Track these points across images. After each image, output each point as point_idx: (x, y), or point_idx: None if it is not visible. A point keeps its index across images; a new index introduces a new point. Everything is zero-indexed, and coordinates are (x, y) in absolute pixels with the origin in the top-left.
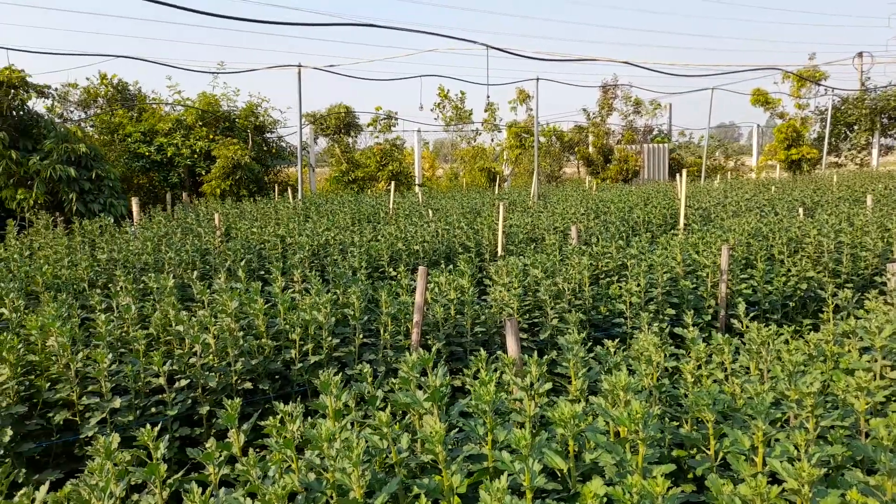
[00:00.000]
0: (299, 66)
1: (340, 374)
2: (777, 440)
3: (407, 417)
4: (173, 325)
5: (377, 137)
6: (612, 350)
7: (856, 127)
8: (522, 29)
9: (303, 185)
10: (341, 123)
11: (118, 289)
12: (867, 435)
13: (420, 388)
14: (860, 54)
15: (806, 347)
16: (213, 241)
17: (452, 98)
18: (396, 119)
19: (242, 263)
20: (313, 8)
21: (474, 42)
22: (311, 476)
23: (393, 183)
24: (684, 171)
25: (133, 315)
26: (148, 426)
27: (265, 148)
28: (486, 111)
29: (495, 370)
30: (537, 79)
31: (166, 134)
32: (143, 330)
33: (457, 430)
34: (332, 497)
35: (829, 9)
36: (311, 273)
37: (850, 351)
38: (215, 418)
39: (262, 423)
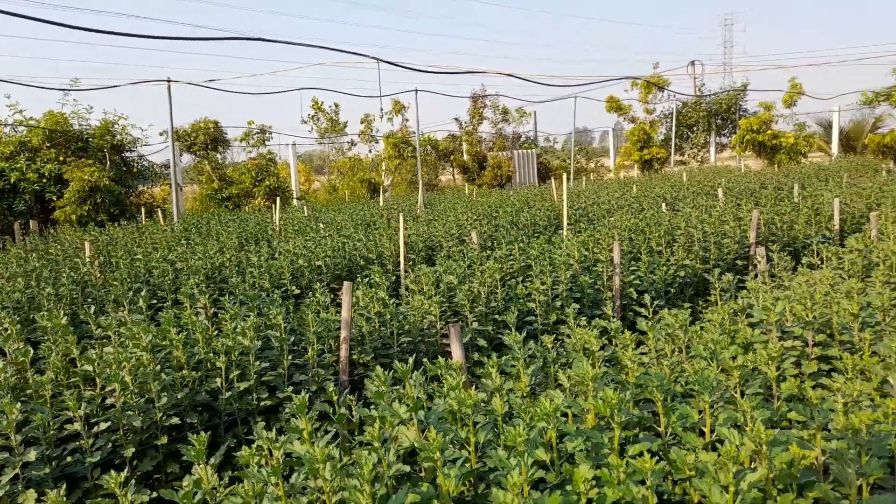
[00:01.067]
0: (168, 80)
1: (283, 395)
2: (712, 406)
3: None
4: (79, 365)
5: (250, 152)
6: (549, 345)
7: (695, 128)
8: (405, 43)
9: (177, 206)
10: (209, 139)
11: (2, 331)
12: (778, 398)
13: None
14: (692, 62)
15: (711, 328)
16: (93, 272)
17: (326, 110)
18: (271, 133)
19: (143, 294)
20: (191, 20)
21: (365, 56)
22: (304, 500)
23: (278, 199)
24: (563, 175)
25: (29, 359)
26: (112, 472)
27: (125, 168)
28: (361, 122)
29: (431, 378)
30: (416, 90)
31: (7, 158)
32: (39, 375)
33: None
34: None
35: (669, 20)
36: (206, 298)
37: (742, 328)
38: (138, 461)
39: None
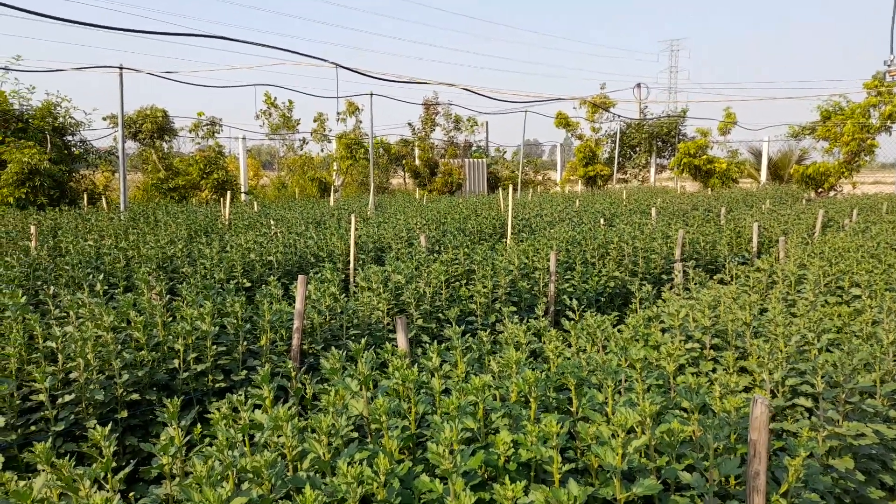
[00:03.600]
0: (121, 67)
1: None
2: (620, 393)
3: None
4: (41, 342)
5: (198, 144)
6: (485, 339)
7: (638, 149)
8: (359, 43)
9: (125, 194)
10: (155, 128)
11: None
12: (674, 389)
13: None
14: (638, 85)
15: (627, 330)
16: (42, 254)
17: (279, 106)
18: (221, 125)
19: (101, 278)
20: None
21: (324, 60)
22: (267, 454)
23: (228, 193)
24: (510, 187)
25: None
26: (97, 425)
27: (66, 152)
28: (315, 121)
29: (379, 366)
30: (371, 94)
31: None
32: (6, 350)
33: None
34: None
35: (616, 42)
36: (163, 285)
37: (654, 331)
38: None
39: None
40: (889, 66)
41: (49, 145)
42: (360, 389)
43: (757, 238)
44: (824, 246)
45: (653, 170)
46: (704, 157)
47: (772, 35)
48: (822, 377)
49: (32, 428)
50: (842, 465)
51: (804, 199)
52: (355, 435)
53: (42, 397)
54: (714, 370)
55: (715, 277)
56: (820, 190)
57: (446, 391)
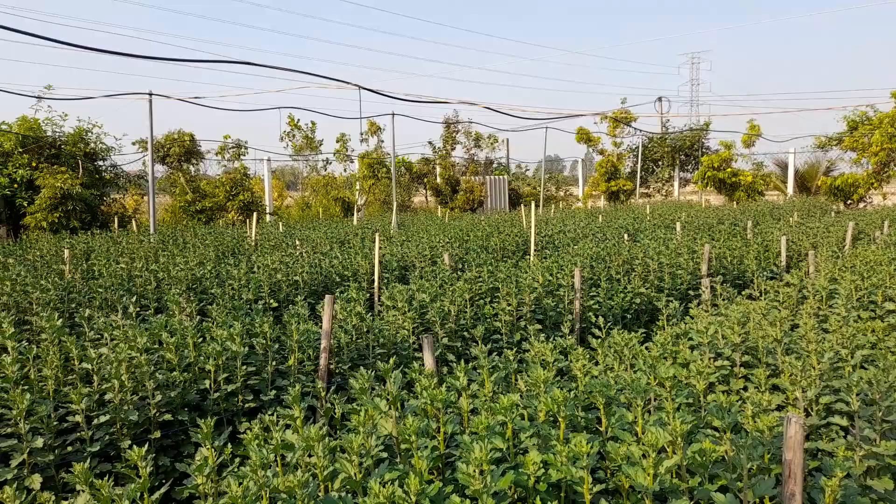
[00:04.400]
0: (150, 94)
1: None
2: (649, 412)
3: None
4: (77, 363)
5: (224, 166)
6: (511, 358)
7: (660, 163)
8: (380, 63)
9: (154, 217)
10: (183, 151)
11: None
12: (705, 408)
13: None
14: (660, 99)
15: (655, 347)
16: (76, 277)
17: (303, 127)
18: (246, 148)
19: (134, 300)
20: (173, 30)
21: (348, 83)
22: (300, 473)
23: (255, 214)
24: (532, 204)
25: (31, 356)
26: (134, 446)
27: (97, 176)
28: (337, 141)
29: (406, 385)
30: (392, 114)
31: None
32: (38, 372)
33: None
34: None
35: (637, 57)
36: (193, 306)
37: (682, 349)
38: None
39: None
40: None
41: (81, 170)
42: (390, 409)
43: (785, 252)
44: (855, 259)
45: (676, 183)
46: (729, 169)
47: (796, 45)
48: (858, 395)
49: (69, 448)
50: (881, 485)
51: (833, 211)
52: (385, 455)
53: (78, 418)
54: (745, 388)
55: (743, 293)
56: (849, 201)
57: (474, 411)
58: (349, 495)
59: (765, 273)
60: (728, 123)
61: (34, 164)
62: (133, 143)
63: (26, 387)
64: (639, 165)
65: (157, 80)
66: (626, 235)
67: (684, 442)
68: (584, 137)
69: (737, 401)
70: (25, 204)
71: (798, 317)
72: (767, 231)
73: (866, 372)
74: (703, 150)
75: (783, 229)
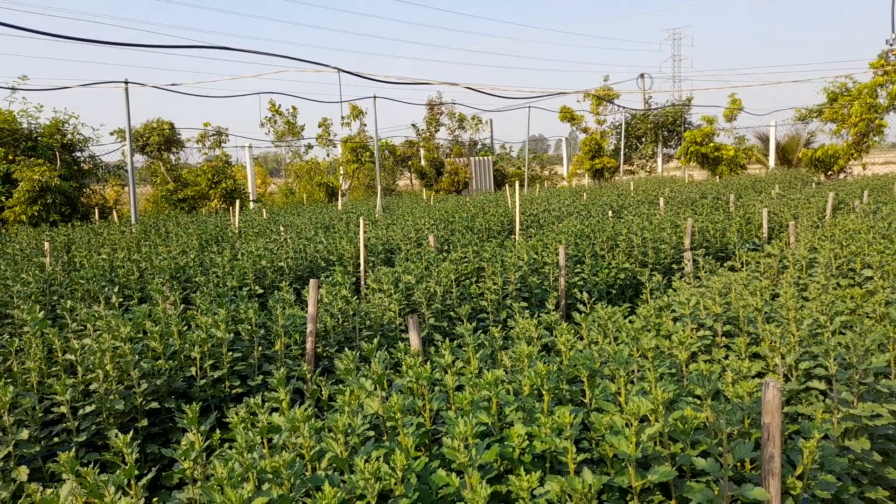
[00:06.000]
0: (126, 82)
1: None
2: (633, 382)
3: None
4: (60, 354)
5: (205, 154)
6: (497, 335)
7: (644, 139)
8: (360, 47)
9: (135, 207)
10: (162, 140)
11: None
12: (686, 377)
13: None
14: (642, 75)
15: (638, 320)
16: (57, 270)
17: (284, 113)
18: (227, 135)
19: (116, 290)
20: (147, 16)
21: (327, 66)
22: (286, 454)
23: (237, 202)
24: (517, 184)
25: (13, 349)
26: (120, 434)
27: (76, 167)
28: (319, 126)
29: (392, 365)
30: (374, 97)
31: None
32: (21, 364)
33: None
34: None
35: (617, 33)
36: (177, 295)
37: (665, 321)
38: None
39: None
40: (891, 44)
41: (59, 162)
42: (375, 389)
43: (767, 224)
44: (835, 229)
45: (660, 160)
46: (711, 144)
47: (775, 18)
48: (835, 359)
49: (55, 439)
50: (858, 445)
51: (814, 182)
52: (371, 433)
53: (63, 409)
54: (726, 357)
55: (725, 265)
56: (830, 172)
57: (460, 387)
58: (336, 473)
59: (747, 245)
60: (710, 98)
61: (10, 157)
62: (111, 133)
63: (9, 379)
64: (622, 143)
65: (134, 69)
66: (610, 212)
67: (666, 410)
68: (568, 116)
69: (718, 369)
70: (3, 198)
71: (779, 286)
72: (749, 204)
73: (844, 337)
74: (686, 126)
75: (765, 202)
